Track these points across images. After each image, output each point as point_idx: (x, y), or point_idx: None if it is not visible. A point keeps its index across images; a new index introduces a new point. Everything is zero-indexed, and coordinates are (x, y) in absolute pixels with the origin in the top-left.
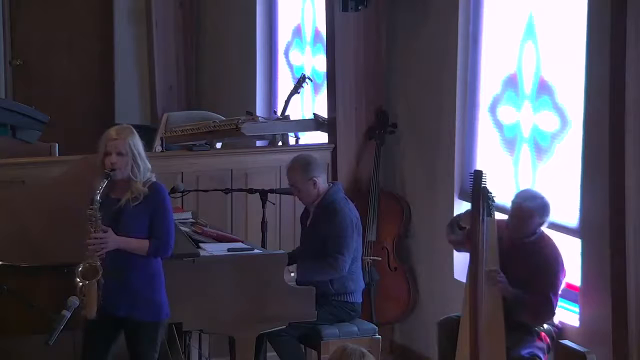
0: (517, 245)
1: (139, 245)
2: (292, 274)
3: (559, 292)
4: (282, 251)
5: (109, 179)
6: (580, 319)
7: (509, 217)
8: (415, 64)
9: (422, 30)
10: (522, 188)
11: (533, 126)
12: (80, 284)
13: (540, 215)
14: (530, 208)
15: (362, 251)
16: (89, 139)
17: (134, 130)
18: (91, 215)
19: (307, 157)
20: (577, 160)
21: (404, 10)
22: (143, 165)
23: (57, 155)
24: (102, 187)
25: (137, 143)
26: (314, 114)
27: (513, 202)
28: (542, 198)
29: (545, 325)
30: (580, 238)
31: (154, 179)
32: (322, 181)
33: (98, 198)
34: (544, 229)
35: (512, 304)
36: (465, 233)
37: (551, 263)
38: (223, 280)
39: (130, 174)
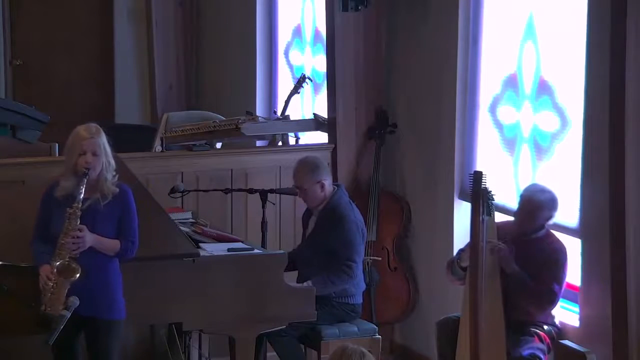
0: (523, 242)
1: (110, 245)
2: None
3: (564, 286)
4: (282, 251)
5: (87, 178)
6: (580, 319)
7: (517, 210)
8: (415, 64)
9: (422, 30)
10: (522, 187)
11: (533, 126)
12: (52, 283)
13: (549, 209)
14: (538, 200)
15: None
16: None
17: (101, 129)
18: (71, 214)
19: (315, 160)
20: (577, 160)
21: (404, 10)
22: (112, 164)
23: (57, 155)
24: (83, 186)
25: (106, 142)
26: (314, 114)
27: (521, 195)
28: (550, 192)
29: (546, 326)
30: (580, 238)
31: (116, 180)
32: (328, 184)
33: (81, 198)
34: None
35: (514, 286)
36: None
37: (557, 257)
38: (223, 280)
39: (104, 172)
